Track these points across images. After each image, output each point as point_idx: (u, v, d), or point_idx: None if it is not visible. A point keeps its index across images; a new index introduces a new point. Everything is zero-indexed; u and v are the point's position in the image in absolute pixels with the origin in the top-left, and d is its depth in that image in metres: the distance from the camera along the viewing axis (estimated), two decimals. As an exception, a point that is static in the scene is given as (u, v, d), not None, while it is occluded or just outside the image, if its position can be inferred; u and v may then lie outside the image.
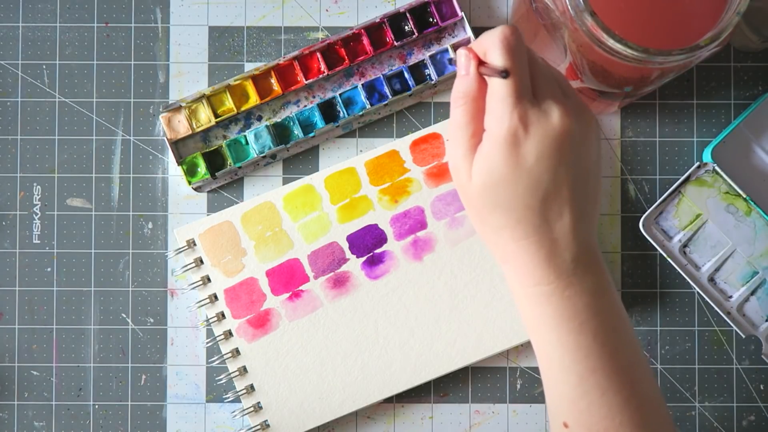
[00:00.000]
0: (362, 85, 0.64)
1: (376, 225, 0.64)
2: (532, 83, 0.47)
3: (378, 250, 0.64)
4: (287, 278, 0.64)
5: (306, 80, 0.64)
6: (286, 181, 0.66)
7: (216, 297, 0.64)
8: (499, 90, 0.46)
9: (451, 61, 0.62)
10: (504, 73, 0.46)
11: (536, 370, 0.65)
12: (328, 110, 0.65)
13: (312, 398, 0.63)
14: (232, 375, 0.63)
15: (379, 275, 0.64)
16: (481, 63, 0.48)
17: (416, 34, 0.64)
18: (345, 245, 0.64)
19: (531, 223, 0.47)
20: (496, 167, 0.47)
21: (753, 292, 0.64)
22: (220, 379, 0.63)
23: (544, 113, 0.46)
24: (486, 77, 0.48)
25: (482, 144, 0.47)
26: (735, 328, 0.64)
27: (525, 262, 0.48)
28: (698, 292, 0.65)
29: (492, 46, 0.47)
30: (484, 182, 0.47)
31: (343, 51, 0.65)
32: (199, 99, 0.64)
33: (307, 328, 0.63)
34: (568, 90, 0.49)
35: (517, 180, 0.47)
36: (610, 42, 0.48)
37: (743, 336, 0.64)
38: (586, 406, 0.48)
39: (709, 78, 0.66)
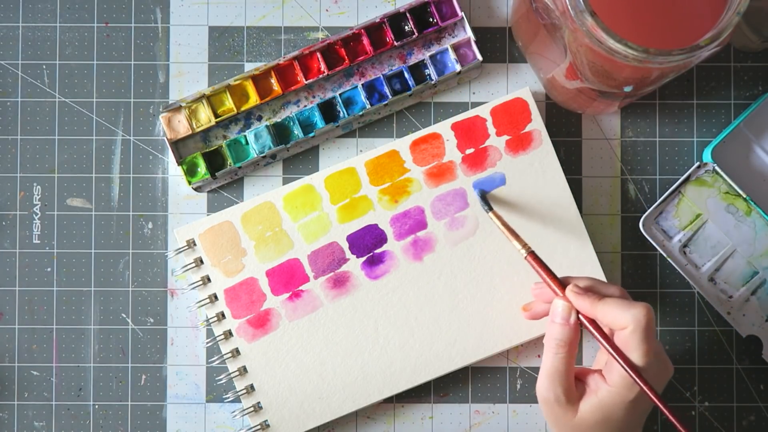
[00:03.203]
0: (362, 85, 0.64)
1: (376, 225, 0.64)
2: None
3: (378, 250, 0.64)
4: (287, 278, 0.64)
5: (306, 80, 0.64)
6: (286, 181, 0.66)
7: (216, 297, 0.64)
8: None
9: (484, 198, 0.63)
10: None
11: (536, 370, 0.65)
12: (328, 110, 0.65)
13: (312, 398, 0.63)
14: (232, 375, 0.63)
15: (379, 275, 0.64)
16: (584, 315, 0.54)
17: (416, 34, 0.64)
18: (345, 245, 0.64)
19: None
20: (614, 412, 0.53)
21: (753, 292, 0.64)
22: (220, 379, 0.63)
23: (664, 364, 0.54)
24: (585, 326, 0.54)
25: (602, 392, 0.53)
26: (735, 328, 0.64)
27: None
28: (698, 292, 0.65)
29: (633, 340, 0.52)
30: (597, 420, 0.53)
31: (343, 51, 0.65)
32: (199, 99, 0.64)
33: (307, 328, 0.63)
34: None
35: (631, 417, 0.53)
36: (610, 42, 0.48)
37: (743, 336, 0.64)
38: None
39: (709, 78, 0.66)
